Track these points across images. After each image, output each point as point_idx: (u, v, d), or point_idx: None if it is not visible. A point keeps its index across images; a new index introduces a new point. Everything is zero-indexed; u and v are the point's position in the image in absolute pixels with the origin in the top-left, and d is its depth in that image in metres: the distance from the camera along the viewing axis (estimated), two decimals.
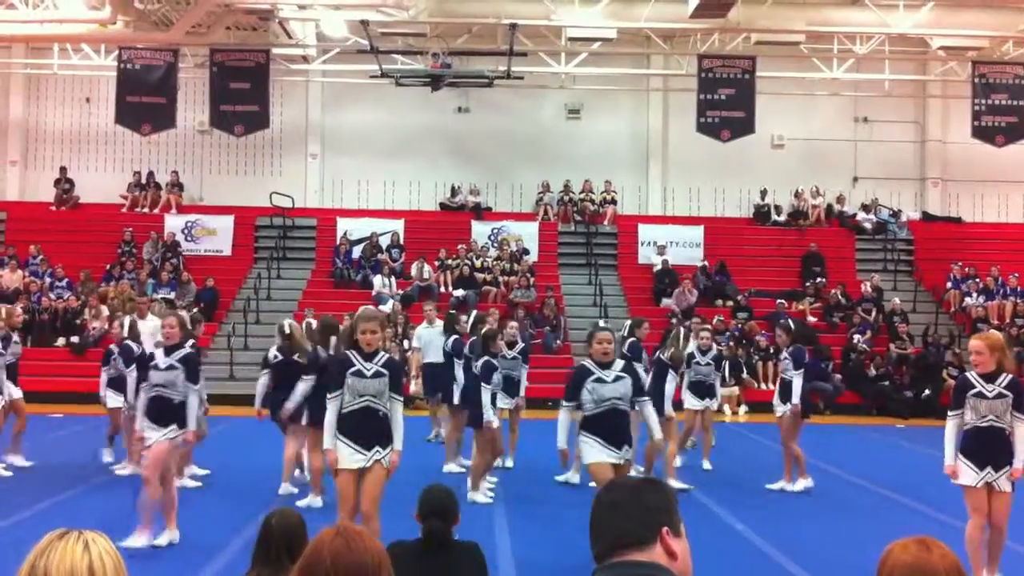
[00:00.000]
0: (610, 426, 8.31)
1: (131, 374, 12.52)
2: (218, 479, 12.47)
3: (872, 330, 24.67)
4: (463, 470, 12.85)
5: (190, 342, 12.14)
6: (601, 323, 12.40)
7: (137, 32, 24.29)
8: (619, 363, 8.50)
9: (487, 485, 12.00)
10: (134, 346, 12.88)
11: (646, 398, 8.79)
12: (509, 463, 13.82)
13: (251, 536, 4.83)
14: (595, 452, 8.29)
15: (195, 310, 13.50)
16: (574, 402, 8.44)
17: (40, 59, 28.21)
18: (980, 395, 7.94)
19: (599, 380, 8.31)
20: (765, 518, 10.93)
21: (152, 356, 9.36)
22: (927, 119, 29.91)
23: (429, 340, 16.25)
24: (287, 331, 11.78)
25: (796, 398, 12.43)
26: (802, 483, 12.63)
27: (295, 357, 11.56)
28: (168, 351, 9.19)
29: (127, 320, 13.62)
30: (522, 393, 13.79)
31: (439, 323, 16.51)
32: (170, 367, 9.06)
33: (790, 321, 13.50)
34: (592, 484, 12.10)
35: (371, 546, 2.53)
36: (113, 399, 13.02)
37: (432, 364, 16.07)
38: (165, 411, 9.02)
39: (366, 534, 2.59)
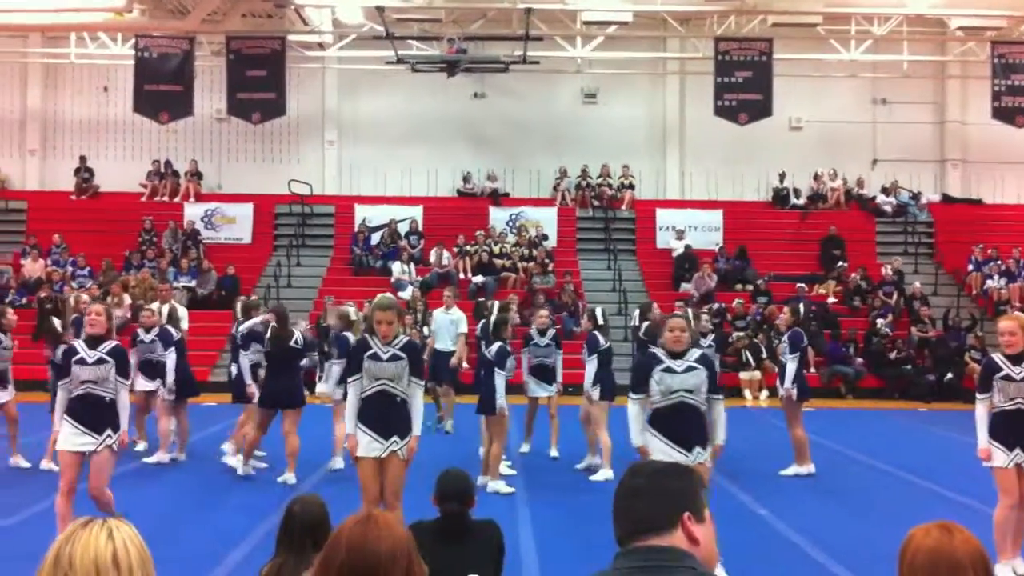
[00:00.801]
0: (679, 423, 7.64)
1: (170, 357, 13.00)
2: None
3: (893, 313, 24.56)
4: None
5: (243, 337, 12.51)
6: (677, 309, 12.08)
7: (153, 20, 24.38)
8: (694, 353, 7.83)
9: (504, 471, 11.91)
10: (173, 331, 13.31)
11: (719, 396, 7.93)
12: (554, 452, 13.58)
13: (275, 523, 4.86)
14: (659, 454, 7.56)
15: (256, 297, 13.59)
16: (642, 393, 7.79)
17: (57, 48, 28.32)
18: (1008, 377, 7.94)
19: (668, 370, 7.63)
20: (787, 503, 10.92)
21: (74, 350, 8.35)
22: (946, 100, 29.71)
23: (440, 325, 16.20)
24: (352, 317, 12.45)
25: (788, 382, 12.38)
26: (794, 469, 12.56)
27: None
28: (93, 343, 8.24)
29: (165, 307, 13.85)
30: (559, 379, 13.56)
31: (455, 310, 16.40)
32: (99, 360, 8.12)
33: (800, 304, 13.42)
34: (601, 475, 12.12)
35: (389, 535, 2.49)
36: (142, 383, 13.15)
37: (439, 351, 16.01)
38: (97, 411, 8.07)
39: (389, 523, 2.54)
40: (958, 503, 10.83)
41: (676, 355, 7.70)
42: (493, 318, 12.08)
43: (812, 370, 22.62)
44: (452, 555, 5.10)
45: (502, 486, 11.31)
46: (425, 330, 20.15)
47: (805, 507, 10.81)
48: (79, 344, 8.38)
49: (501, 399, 11.28)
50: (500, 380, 11.32)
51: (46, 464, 11.95)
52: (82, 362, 8.14)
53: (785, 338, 12.75)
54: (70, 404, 8.13)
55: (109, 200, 28.62)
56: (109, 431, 8.09)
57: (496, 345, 11.52)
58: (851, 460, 14.14)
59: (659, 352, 7.87)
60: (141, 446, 13.65)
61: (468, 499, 5.29)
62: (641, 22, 26.14)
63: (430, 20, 24.71)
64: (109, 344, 8.27)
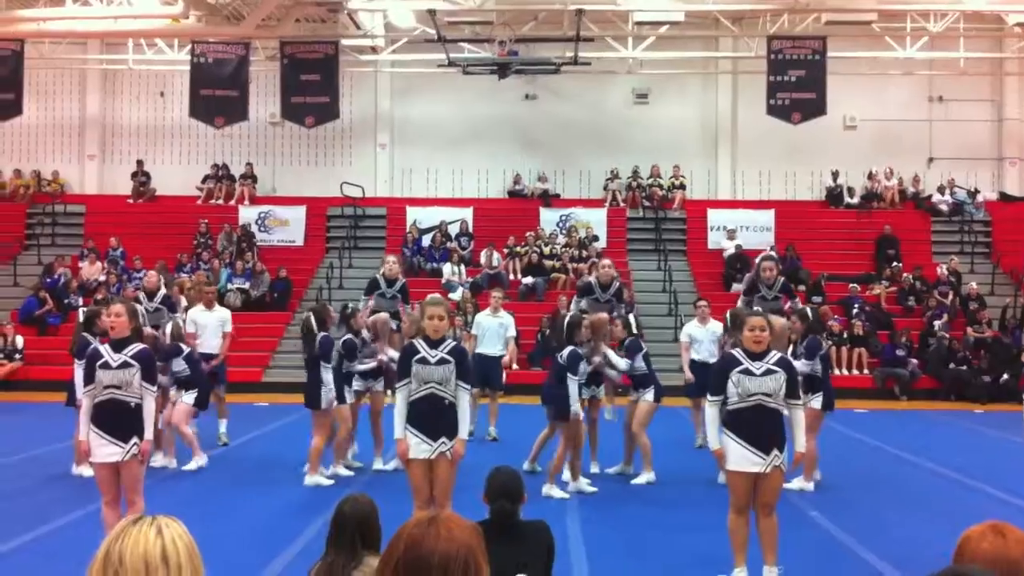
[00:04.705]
0: (756, 425, 7.42)
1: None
2: (292, 465, 12.62)
3: (949, 314, 24.19)
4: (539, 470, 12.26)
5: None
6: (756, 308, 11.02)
7: (209, 26, 24.69)
8: (774, 355, 7.57)
9: (586, 482, 11.59)
10: (183, 347, 13.09)
11: (799, 402, 7.71)
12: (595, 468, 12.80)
13: (325, 522, 4.91)
14: (736, 456, 7.46)
15: (352, 305, 13.13)
16: (720, 396, 7.57)
17: (115, 55, 28.78)
18: None
19: (746, 372, 7.43)
20: (839, 505, 10.83)
21: (98, 353, 7.90)
22: (1004, 97, 29.25)
23: (487, 329, 15.64)
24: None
25: (818, 401, 11.51)
26: (799, 483, 11.53)
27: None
28: (118, 346, 7.80)
29: (169, 327, 13.55)
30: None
31: (503, 313, 15.94)
32: (123, 364, 7.71)
33: (808, 309, 12.43)
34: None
35: (448, 539, 2.42)
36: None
37: (484, 355, 15.39)
38: (123, 417, 7.72)
39: (452, 527, 2.46)
40: (1009, 503, 10.71)
41: (755, 356, 7.50)
42: (566, 320, 11.66)
43: (843, 371, 22.47)
44: (501, 554, 5.10)
45: (556, 491, 11.14)
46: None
47: (856, 509, 10.71)
48: (103, 348, 7.94)
49: (575, 404, 11.08)
50: (573, 385, 11.08)
51: (77, 470, 11.95)
52: (106, 366, 7.73)
53: (802, 347, 11.69)
54: (95, 411, 7.78)
55: (166, 203, 29.05)
56: (135, 439, 7.74)
57: (568, 349, 11.22)
58: (903, 461, 13.99)
59: (738, 353, 7.65)
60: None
61: (518, 497, 5.29)
62: (693, 22, 26.04)
63: (481, 23, 24.77)
64: (135, 347, 7.83)
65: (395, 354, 12.00)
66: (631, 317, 12.95)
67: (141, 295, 13.86)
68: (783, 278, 13.02)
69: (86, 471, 11.63)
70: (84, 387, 8.01)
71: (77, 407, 11.24)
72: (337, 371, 11.98)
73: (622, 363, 12.19)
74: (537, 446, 12.42)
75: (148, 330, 12.16)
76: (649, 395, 12.16)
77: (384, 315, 12.95)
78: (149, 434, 7.91)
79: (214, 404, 14.40)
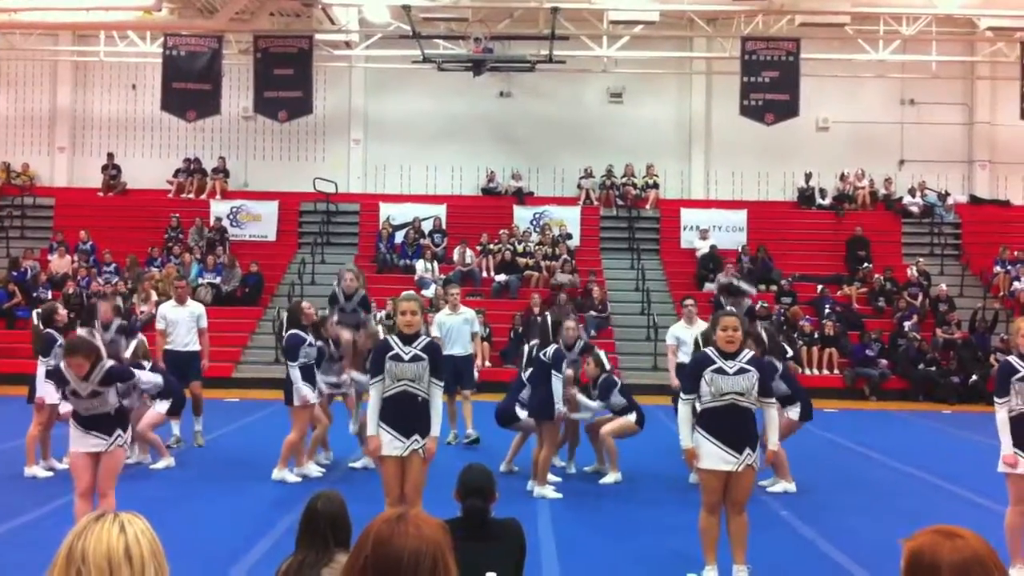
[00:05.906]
0: (729, 424, 7.44)
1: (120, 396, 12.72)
2: (261, 462, 12.55)
3: (919, 315, 24.38)
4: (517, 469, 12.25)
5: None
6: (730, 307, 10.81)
7: (182, 19, 24.53)
8: (747, 354, 7.61)
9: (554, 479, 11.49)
10: (146, 364, 12.65)
11: (772, 400, 7.79)
12: (572, 469, 12.67)
13: (295, 519, 4.88)
14: (709, 456, 7.48)
15: (320, 313, 12.46)
16: (693, 394, 7.58)
17: (87, 47, 28.57)
18: None
19: (719, 371, 7.44)
20: (808, 505, 10.88)
21: (63, 379, 7.90)
22: (975, 101, 29.50)
23: (451, 328, 14.56)
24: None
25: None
26: (782, 486, 11.50)
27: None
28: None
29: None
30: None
31: (465, 310, 15.02)
32: (93, 393, 7.79)
33: (763, 332, 11.73)
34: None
35: (417, 535, 2.43)
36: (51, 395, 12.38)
37: (453, 356, 14.11)
38: (104, 420, 7.80)
39: (420, 524, 2.47)
40: (976, 504, 10.79)
41: (728, 355, 7.52)
42: (551, 319, 11.52)
43: (813, 371, 22.63)
44: (472, 552, 5.08)
45: (549, 491, 11.04)
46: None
47: (825, 509, 10.76)
48: (69, 374, 7.77)
49: (560, 403, 10.97)
50: (558, 383, 10.95)
51: (30, 471, 11.55)
52: (76, 395, 7.75)
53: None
54: (75, 416, 7.86)
55: (136, 197, 28.84)
56: (119, 431, 7.86)
57: (552, 348, 11.10)
58: (872, 461, 14.07)
59: (711, 352, 7.64)
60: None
61: (490, 494, 5.28)
62: (667, 22, 26.10)
63: (456, 19, 24.73)
64: (100, 370, 7.76)
65: (359, 376, 11.96)
66: (601, 353, 12.59)
67: (97, 325, 13.25)
68: None
69: (40, 472, 11.61)
70: (56, 388, 8.00)
71: (38, 404, 11.23)
72: (307, 370, 11.77)
73: (593, 404, 12.16)
74: (514, 447, 12.41)
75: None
76: (631, 417, 12.09)
77: (348, 336, 12.36)
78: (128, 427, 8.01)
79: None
